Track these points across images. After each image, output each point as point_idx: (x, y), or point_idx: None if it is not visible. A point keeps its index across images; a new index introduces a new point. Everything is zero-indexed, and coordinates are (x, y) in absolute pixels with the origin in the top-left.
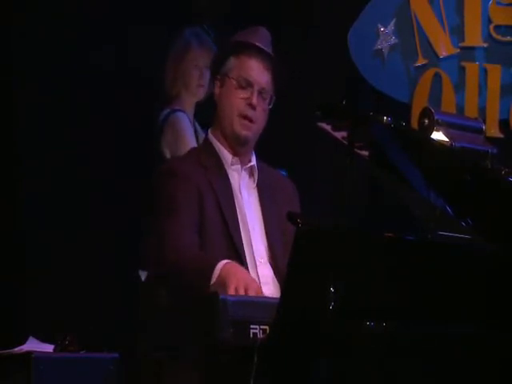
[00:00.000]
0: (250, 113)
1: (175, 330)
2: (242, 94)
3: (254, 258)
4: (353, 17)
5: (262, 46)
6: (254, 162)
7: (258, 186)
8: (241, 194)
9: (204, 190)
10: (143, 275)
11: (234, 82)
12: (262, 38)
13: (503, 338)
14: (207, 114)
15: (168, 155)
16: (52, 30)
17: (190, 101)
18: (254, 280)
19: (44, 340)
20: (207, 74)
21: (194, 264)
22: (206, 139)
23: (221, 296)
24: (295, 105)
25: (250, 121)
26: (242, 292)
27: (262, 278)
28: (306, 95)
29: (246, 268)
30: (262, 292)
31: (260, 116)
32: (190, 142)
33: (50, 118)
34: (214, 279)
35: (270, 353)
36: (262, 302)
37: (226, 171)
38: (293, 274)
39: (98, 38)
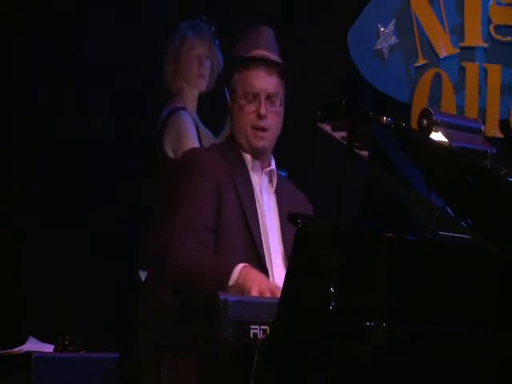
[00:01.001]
0: (261, 123)
1: (175, 330)
2: (251, 108)
3: (271, 258)
4: (353, 17)
5: (264, 53)
6: (273, 166)
7: (276, 190)
8: (262, 196)
9: (225, 186)
10: (143, 275)
11: (242, 99)
12: (264, 41)
13: (503, 338)
14: (210, 110)
15: (171, 154)
16: (52, 30)
17: (191, 95)
18: (273, 284)
19: (44, 340)
20: (208, 63)
21: (205, 271)
22: (229, 138)
23: (221, 296)
24: (295, 105)
25: (264, 130)
26: (268, 295)
27: (277, 278)
28: (306, 95)
29: (265, 267)
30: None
31: (272, 121)
32: (193, 140)
33: (50, 117)
34: (231, 282)
35: (270, 353)
36: (262, 302)
37: (248, 171)
38: (293, 274)
39: (98, 38)
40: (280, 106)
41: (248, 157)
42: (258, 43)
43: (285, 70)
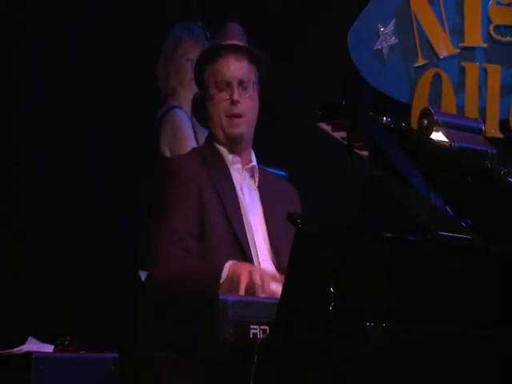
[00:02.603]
0: (235, 109)
1: (175, 330)
2: (224, 96)
3: (258, 256)
4: (353, 17)
5: (229, 41)
6: (254, 162)
7: (258, 187)
8: (243, 194)
9: (205, 189)
10: (143, 275)
11: (213, 89)
12: (230, 33)
13: (503, 338)
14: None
15: (167, 153)
16: (52, 30)
17: (186, 97)
18: (262, 269)
19: (44, 340)
20: None
21: (192, 277)
22: (208, 139)
23: (221, 296)
24: (295, 105)
25: (238, 116)
26: (257, 276)
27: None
28: (306, 95)
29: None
30: (276, 275)
31: (247, 106)
32: (189, 138)
33: (50, 117)
34: (223, 278)
35: (270, 353)
36: (261, 302)
37: (228, 170)
38: (293, 273)
39: (98, 38)
40: (253, 91)
41: (227, 155)
42: (225, 35)
43: (254, 54)
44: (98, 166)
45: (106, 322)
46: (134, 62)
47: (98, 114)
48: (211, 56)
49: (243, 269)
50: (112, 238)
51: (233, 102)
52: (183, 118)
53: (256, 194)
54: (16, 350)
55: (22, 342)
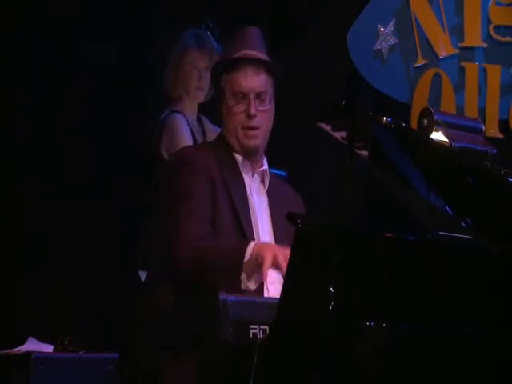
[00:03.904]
0: (251, 123)
1: (175, 330)
2: (240, 108)
3: None
4: (353, 17)
5: (251, 53)
6: (265, 166)
7: (267, 192)
8: (252, 196)
9: (218, 183)
10: (143, 275)
11: (230, 100)
12: (250, 42)
13: (503, 338)
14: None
15: (165, 156)
16: (52, 30)
17: (190, 104)
18: (286, 250)
19: (44, 340)
20: (207, 76)
21: (216, 253)
22: (220, 137)
23: (221, 296)
24: (295, 105)
25: (254, 129)
26: (281, 258)
27: (270, 277)
28: (306, 95)
29: None
30: None
31: (263, 119)
32: (186, 143)
33: (50, 117)
34: (246, 257)
35: (270, 353)
36: (262, 302)
37: (239, 170)
38: (293, 273)
39: (98, 38)
40: (270, 104)
41: (239, 157)
42: (244, 43)
43: (273, 67)
44: (98, 165)
45: (106, 322)
46: (134, 62)
47: (98, 114)
48: (229, 66)
49: (267, 250)
50: (112, 238)
51: (249, 116)
52: (182, 123)
53: (264, 199)
54: (16, 349)
55: (22, 342)
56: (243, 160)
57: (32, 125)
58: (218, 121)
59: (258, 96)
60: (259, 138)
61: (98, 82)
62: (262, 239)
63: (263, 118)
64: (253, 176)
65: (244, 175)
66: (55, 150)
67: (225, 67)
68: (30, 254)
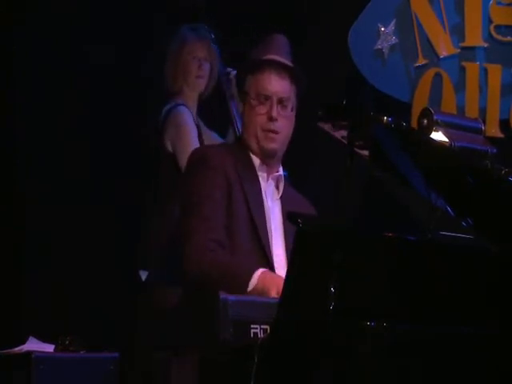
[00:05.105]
0: (272, 126)
1: (175, 330)
2: (262, 110)
3: (274, 265)
4: (353, 17)
5: (277, 58)
6: (281, 171)
7: (281, 197)
8: (267, 201)
9: (234, 185)
10: (143, 275)
11: (254, 100)
12: (277, 48)
13: (503, 338)
14: (211, 112)
15: (170, 148)
16: (52, 30)
17: (191, 95)
18: None
19: (44, 340)
20: (207, 66)
21: (224, 273)
22: (238, 139)
23: (221, 296)
24: (295, 105)
25: (275, 132)
26: None
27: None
28: (306, 95)
29: (273, 268)
30: None
31: (284, 125)
32: (191, 135)
33: (50, 117)
34: (250, 287)
35: (270, 353)
36: (262, 302)
37: (256, 174)
38: (293, 273)
39: (98, 38)
40: (291, 111)
41: (257, 160)
42: (271, 48)
43: (297, 75)
44: (98, 165)
45: (106, 321)
46: (134, 62)
47: (98, 113)
48: (253, 67)
49: (272, 285)
50: (112, 238)
51: (270, 118)
52: (187, 115)
53: (278, 204)
54: (16, 349)
55: (23, 342)
56: (260, 163)
57: (32, 125)
58: (213, 126)
59: (281, 101)
60: (278, 143)
61: (98, 82)
62: (273, 243)
63: (284, 123)
64: (268, 180)
65: (260, 179)
66: (55, 150)
67: (250, 69)
68: (30, 254)
